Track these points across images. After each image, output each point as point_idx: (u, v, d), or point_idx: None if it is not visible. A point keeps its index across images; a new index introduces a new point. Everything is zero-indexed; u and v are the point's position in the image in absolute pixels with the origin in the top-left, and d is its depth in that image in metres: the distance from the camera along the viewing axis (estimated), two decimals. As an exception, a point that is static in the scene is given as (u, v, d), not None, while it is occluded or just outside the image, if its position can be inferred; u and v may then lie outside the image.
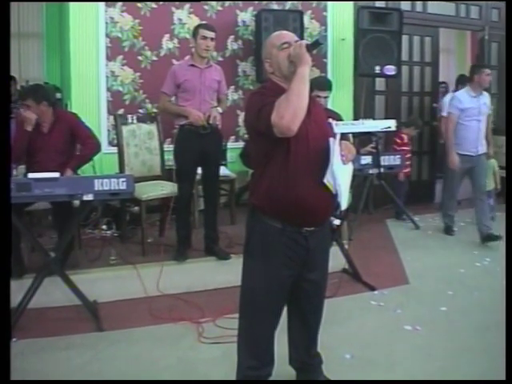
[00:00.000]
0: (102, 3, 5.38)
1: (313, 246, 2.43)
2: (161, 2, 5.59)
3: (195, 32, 4.34)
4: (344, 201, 2.44)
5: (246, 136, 4.62)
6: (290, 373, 2.77)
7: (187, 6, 5.71)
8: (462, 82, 6.66)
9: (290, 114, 2.20)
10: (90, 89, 5.41)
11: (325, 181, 2.36)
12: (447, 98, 6.40)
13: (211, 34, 4.29)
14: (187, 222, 4.56)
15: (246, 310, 2.51)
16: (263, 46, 2.53)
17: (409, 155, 6.40)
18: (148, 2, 5.54)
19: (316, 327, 2.69)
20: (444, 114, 6.28)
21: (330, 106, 5.25)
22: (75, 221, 3.78)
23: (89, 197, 3.36)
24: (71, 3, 5.29)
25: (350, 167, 2.46)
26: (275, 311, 2.50)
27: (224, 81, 4.50)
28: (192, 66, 4.31)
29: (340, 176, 2.38)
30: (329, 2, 6.34)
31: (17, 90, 5.77)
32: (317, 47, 2.45)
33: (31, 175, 3.29)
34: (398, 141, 6.36)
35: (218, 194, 4.79)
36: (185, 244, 4.47)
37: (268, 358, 2.55)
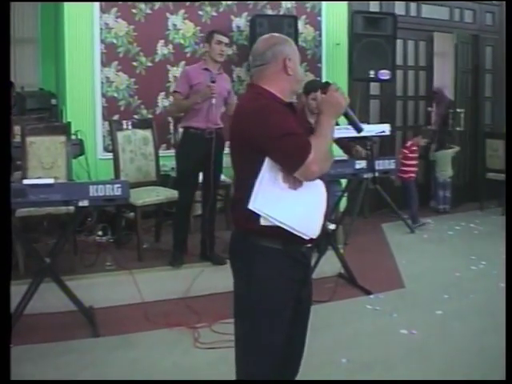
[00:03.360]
0: (97, 9, 5.38)
1: (309, 262, 2.24)
2: (156, 7, 5.61)
3: (209, 37, 4.42)
4: (310, 230, 2.08)
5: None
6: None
7: (182, 11, 5.73)
8: None
9: (327, 163, 2.05)
10: (85, 94, 5.42)
11: (250, 207, 2.01)
12: None
13: (226, 40, 4.42)
14: (186, 228, 4.56)
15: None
16: (283, 42, 2.31)
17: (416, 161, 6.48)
18: (143, 7, 5.55)
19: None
20: None
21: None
22: (71, 226, 3.77)
23: (84, 203, 3.36)
24: (66, 8, 5.29)
25: (310, 192, 2.05)
26: (279, 342, 2.10)
27: (232, 91, 4.60)
28: (206, 69, 4.38)
29: (293, 204, 2.02)
30: (323, 7, 6.36)
31: (13, 96, 5.77)
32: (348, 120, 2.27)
33: (26, 181, 3.29)
34: (408, 148, 6.40)
35: (216, 199, 4.79)
36: (181, 249, 4.48)
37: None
